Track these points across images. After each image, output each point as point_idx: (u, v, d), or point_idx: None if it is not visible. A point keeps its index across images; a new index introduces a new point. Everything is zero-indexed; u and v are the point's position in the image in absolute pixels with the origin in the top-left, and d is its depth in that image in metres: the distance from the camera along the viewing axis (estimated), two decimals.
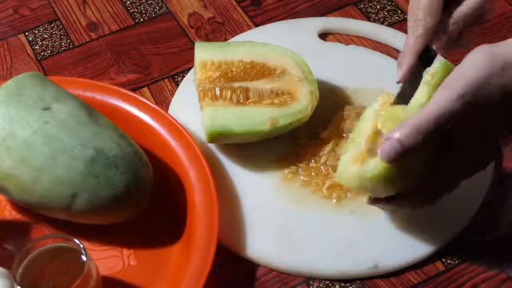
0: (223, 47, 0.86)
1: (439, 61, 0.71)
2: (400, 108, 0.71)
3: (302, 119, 0.82)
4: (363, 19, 1.01)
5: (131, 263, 0.78)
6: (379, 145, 0.67)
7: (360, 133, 0.72)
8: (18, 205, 0.81)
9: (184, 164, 0.80)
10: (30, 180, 0.71)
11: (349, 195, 0.82)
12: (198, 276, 0.71)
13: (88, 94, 0.85)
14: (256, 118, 0.81)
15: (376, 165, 0.67)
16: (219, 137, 0.81)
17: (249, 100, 0.82)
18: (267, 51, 0.86)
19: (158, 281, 0.76)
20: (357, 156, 0.71)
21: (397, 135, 0.65)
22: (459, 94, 0.63)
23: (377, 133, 0.70)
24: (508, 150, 0.86)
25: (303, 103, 0.82)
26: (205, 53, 0.85)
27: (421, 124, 0.64)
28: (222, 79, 0.84)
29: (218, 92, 0.82)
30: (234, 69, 0.84)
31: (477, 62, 0.64)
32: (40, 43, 0.99)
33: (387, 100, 0.72)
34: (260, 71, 0.85)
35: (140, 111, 0.84)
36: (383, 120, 0.70)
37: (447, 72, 0.68)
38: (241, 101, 0.82)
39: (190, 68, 0.94)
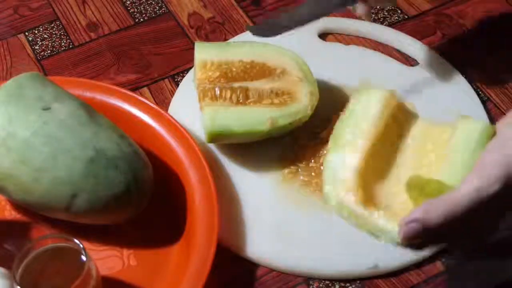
0: (223, 47, 0.86)
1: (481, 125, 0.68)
2: (434, 181, 0.64)
3: (302, 119, 0.82)
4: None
5: (131, 263, 0.78)
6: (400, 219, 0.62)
7: (356, 147, 0.71)
8: (18, 205, 0.81)
9: (184, 164, 0.80)
10: (30, 180, 0.71)
11: None
12: (198, 276, 0.71)
13: (88, 94, 0.85)
14: (256, 118, 0.81)
15: (392, 238, 0.66)
16: (219, 137, 0.81)
17: (249, 100, 0.82)
18: (267, 51, 0.86)
19: (158, 281, 0.76)
20: (364, 196, 0.68)
21: (421, 216, 0.60)
22: (496, 180, 0.59)
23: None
24: None
25: (303, 103, 0.82)
26: (205, 53, 0.85)
27: (449, 210, 0.59)
28: (222, 79, 0.84)
29: (218, 92, 0.82)
30: (234, 69, 0.85)
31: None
32: (40, 43, 0.99)
33: (391, 100, 0.72)
34: (260, 71, 0.85)
35: (140, 111, 0.84)
36: (411, 188, 0.64)
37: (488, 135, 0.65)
38: (241, 101, 0.82)
39: (190, 68, 0.94)
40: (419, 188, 0.63)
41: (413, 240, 0.61)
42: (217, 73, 0.84)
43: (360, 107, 0.73)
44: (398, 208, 0.68)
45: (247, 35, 0.98)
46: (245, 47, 0.87)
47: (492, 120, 0.89)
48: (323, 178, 0.70)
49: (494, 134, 0.64)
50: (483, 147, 0.63)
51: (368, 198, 0.68)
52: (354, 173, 0.69)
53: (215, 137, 0.81)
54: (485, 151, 0.61)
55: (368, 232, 0.67)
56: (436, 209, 0.59)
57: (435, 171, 0.67)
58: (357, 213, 0.67)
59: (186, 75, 0.94)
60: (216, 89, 0.82)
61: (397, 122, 0.73)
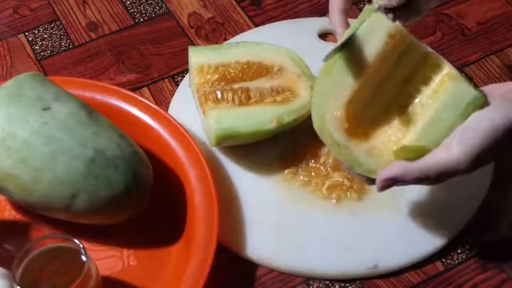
0: (217, 50, 0.86)
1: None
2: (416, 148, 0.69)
3: (305, 114, 0.82)
4: None
5: (131, 263, 0.78)
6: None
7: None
8: (18, 205, 0.81)
9: (184, 164, 0.80)
10: (30, 180, 0.71)
11: (349, 195, 0.82)
12: (198, 276, 0.71)
13: (88, 94, 0.85)
14: (261, 117, 0.81)
15: (368, 170, 0.70)
16: (225, 140, 0.81)
17: (251, 100, 0.82)
18: (261, 50, 0.86)
19: (158, 281, 0.76)
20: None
21: (396, 176, 0.67)
22: (471, 158, 0.65)
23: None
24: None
25: (305, 98, 0.82)
26: (200, 57, 0.85)
27: (423, 174, 0.66)
28: (221, 81, 0.84)
29: (219, 95, 0.82)
30: (231, 71, 0.84)
31: (498, 127, 0.64)
32: (40, 43, 0.99)
33: (397, 33, 0.69)
34: (258, 70, 0.85)
35: (140, 111, 0.84)
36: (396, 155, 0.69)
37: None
38: (243, 101, 0.82)
39: None
40: (403, 156, 0.68)
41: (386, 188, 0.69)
42: (216, 76, 0.84)
43: (363, 32, 0.69)
44: (379, 142, 0.71)
45: (247, 35, 0.98)
46: (239, 47, 0.87)
47: None
48: (313, 100, 0.71)
49: (482, 105, 0.66)
50: (466, 116, 0.66)
51: (353, 126, 0.70)
52: (342, 102, 0.70)
53: (222, 139, 0.81)
54: (472, 121, 0.65)
55: (347, 162, 0.70)
56: (412, 173, 0.67)
57: (417, 118, 0.70)
58: (340, 143, 0.70)
59: (186, 75, 0.94)
60: (217, 92, 0.82)
61: (398, 55, 0.71)
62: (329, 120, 0.70)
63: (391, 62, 0.70)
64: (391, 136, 0.71)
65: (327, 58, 0.70)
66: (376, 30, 0.69)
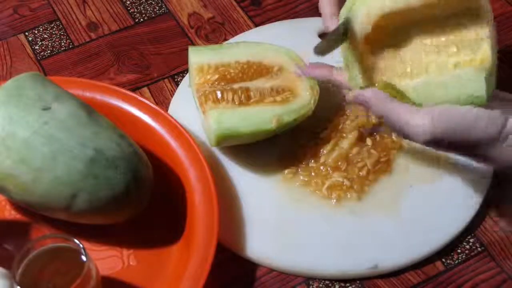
0: (217, 50, 0.86)
1: None
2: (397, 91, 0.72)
3: (305, 114, 0.82)
4: None
5: (131, 263, 0.78)
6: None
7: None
8: (18, 205, 0.81)
9: (184, 164, 0.80)
10: (30, 180, 0.71)
11: (348, 195, 0.82)
12: (198, 276, 0.71)
13: (88, 94, 0.85)
14: (261, 117, 0.81)
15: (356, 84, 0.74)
16: (226, 140, 0.81)
17: (251, 100, 0.82)
18: (261, 50, 0.86)
19: (158, 281, 0.76)
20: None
21: (368, 100, 0.71)
22: (433, 130, 0.66)
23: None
24: None
25: (305, 98, 0.82)
26: (200, 57, 0.85)
27: (387, 108, 0.69)
28: (221, 81, 0.84)
29: (219, 95, 0.82)
30: (231, 71, 0.84)
31: (478, 125, 0.66)
32: (40, 43, 0.99)
33: None
34: (258, 70, 0.85)
35: (140, 111, 0.84)
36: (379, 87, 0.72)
37: None
38: (243, 101, 0.82)
39: None
40: (383, 89, 0.71)
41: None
42: (216, 76, 0.84)
43: None
44: (382, 68, 0.73)
45: (247, 35, 0.98)
46: (239, 47, 0.87)
47: None
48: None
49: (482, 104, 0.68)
50: (462, 104, 0.68)
51: (374, 37, 0.72)
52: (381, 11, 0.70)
53: (222, 139, 0.81)
54: (462, 110, 0.66)
55: (344, 60, 0.75)
56: (381, 102, 0.70)
57: (429, 71, 0.71)
58: (349, 58, 0.74)
59: (186, 75, 0.94)
60: (217, 91, 0.82)
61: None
62: (359, 16, 0.71)
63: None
64: (397, 70, 0.72)
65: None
66: None
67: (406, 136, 0.69)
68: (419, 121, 0.67)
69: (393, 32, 0.73)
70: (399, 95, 0.70)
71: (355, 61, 0.74)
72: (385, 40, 0.73)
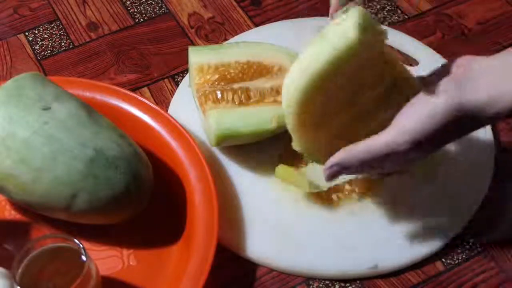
0: (216, 50, 0.86)
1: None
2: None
3: None
4: None
5: (131, 263, 0.78)
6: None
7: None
8: (18, 205, 0.81)
9: (184, 164, 0.80)
10: (30, 180, 0.71)
11: (349, 195, 0.82)
12: (198, 276, 0.71)
13: (88, 94, 0.85)
14: (261, 117, 0.81)
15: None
16: (225, 139, 0.81)
17: (251, 100, 0.82)
18: (260, 50, 0.86)
19: (158, 281, 0.76)
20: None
21: (340, 161, 0.68)
22: (407, 140, 0.65)
23: None
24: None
25: None
26: (200, 57, 0.85)
27: (363, 154, 0.67)
28: (221, 81, 0.84)
29: (219, 95, 0.82)
30: (231, 71, 0.84)
31: (437, 111, 0.64)
32: (40, 43, 0.99)
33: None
34: (258, 70, 0.85)
35: (140, 111, 0.84)
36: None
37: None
38: (243, 101, 0.82)
39: None
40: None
41: (336, 177, 0.70)
42: (216, 76, 0.84)
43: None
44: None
45: (247, 35, 0.98)
46: (239, 47, 0.87)
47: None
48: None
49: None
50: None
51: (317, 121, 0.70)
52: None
53: (222, 139, 0.81)
54: (415, 102, 0.66)
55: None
56: (355, 155, 0.67)
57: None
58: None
59: (186, 75, 0.94)
60: (217, 92, 0.82)
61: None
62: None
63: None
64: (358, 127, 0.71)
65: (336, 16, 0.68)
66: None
67: (393, 158, 0.67)
68: (389, 135, 0.66)
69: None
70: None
71: (313, 151, 0.72)
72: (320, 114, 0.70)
